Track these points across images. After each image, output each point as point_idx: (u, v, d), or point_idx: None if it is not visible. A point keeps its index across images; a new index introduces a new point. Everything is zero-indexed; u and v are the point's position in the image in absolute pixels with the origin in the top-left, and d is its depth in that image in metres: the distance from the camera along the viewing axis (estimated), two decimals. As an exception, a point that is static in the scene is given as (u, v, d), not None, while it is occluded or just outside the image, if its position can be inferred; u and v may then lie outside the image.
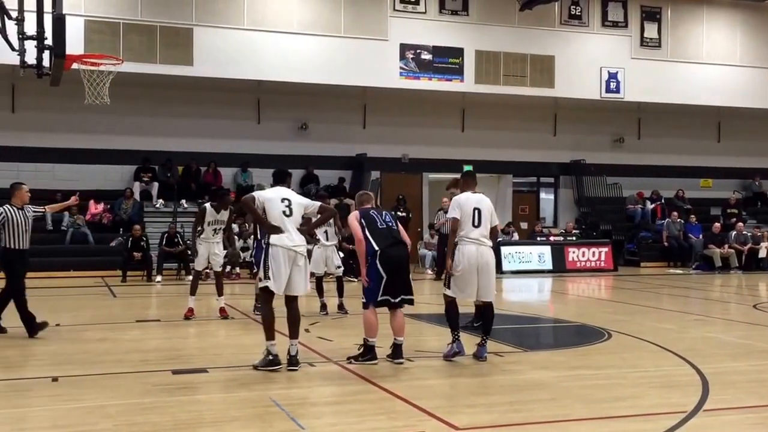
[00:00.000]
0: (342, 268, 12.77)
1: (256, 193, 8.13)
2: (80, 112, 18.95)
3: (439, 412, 6.17)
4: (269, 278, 7.75)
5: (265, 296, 7.95)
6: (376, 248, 8.09)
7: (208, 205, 12.11)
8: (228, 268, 16.60)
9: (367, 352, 8.17)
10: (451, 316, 8.54)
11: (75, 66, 14.31)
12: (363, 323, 8.25)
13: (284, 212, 7.91)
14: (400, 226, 8.57)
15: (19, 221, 10.26)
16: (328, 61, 22.00)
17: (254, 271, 11.10)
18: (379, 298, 8.11)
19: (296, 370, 7.79)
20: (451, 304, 8.57)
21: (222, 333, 10.77)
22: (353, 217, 8.38)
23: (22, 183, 10.84)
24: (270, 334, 7.87)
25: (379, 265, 8.07)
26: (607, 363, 8.52)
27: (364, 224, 8.22)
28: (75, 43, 16.83)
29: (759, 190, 27.80)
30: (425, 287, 18.43)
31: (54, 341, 9.97)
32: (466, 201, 8.52)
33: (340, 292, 12.66)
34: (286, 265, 7.78)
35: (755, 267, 22.58)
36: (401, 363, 8.15)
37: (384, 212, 8.61)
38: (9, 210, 10.15)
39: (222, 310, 11.83)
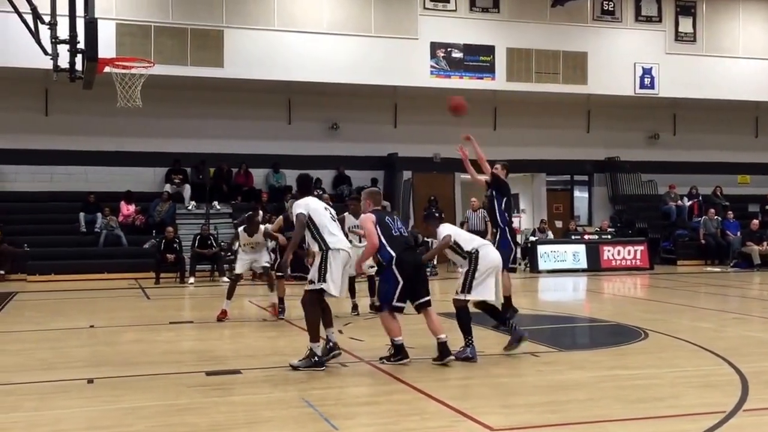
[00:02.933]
0: (375, 268, 12.59)
1: (304, 208, 8.15)
2: (112, 115, 19.17)
3: (474, 412, 6.10)
4: (326, 281, 7.83)
5: (314, 297, 7.98)
6: (393, 254, 8.08)
7: (241, 229, 12.15)
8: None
9: (398, 352, 8.12)
10: (467, 321, 8.49)
11: (107, 69, 14.43)
12: (383, 327, 8.25)
13: (332, 218, 8.16)
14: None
15: None
16: (359, 60, 22.00)
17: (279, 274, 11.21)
18: (395, 304, 8.08)
19: (340, 353, 7.96)
20: (464, 309, 8.50)
21: (255, 335, 10.77)
22: (369, 220, 8.33)
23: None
24: (315, 336, 7.90)
25: (395, 271, 8.05)
26: (645, 363, 8.38)
27: (380, 231, 8.19)
28: (107, 46, 17.00)
29: (798, 185, 27.33)
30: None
31: (89, 343, 10.05)
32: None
33: (373, 291, 12.54)
34: (343, 268, 7.94)
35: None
36: (451, 360, 8.07)
37: (396, 218, 8.64)
38: None
39: (273, 306, 11.90)
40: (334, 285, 7.86)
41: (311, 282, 7.96)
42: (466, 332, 8.45)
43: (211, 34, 20.89)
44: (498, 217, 11.05)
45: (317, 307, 8.01)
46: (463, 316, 8.47)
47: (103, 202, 20.60)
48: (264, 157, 22.85)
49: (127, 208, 20.92)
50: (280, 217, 12.13)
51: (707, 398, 6.71)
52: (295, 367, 7.81)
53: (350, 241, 12.01)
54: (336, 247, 7.96)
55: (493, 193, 11.10)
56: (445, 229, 8.69)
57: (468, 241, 8.62)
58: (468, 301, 8.46)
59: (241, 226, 12.39)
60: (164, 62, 19.08)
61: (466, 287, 8.36)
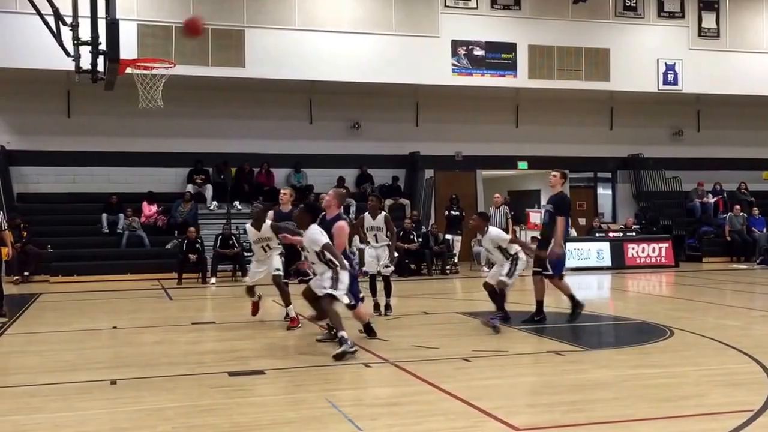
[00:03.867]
0: (391, 268, 12.43)
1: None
2: (134, 115, 19.25)
3: (499, 412, 6.04)
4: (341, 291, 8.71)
5: (332, 302, 8.70)
6: None
7: (248, 225, 11.47)
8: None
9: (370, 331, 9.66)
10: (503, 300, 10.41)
11: (128, 70, 14.47)
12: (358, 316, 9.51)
13: None
14: None
15: None
16: (380, 59, 21.97)
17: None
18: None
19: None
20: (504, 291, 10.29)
21: (278, 335, 10.75)
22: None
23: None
24: (341, 325, 8.50)
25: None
26: (670, 361, 8.29)
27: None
28: (128, 47, 17.03)
29: (825, 181, 26.98)
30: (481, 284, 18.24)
31: (112, 344, 10.09)
32: None
33: (388, 292, 12.43)
34: None
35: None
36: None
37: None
38: None
39: (292, 320, 10.99)
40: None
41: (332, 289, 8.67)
42: (501, 307, 10.46)
43: (232, 34, 20.94)
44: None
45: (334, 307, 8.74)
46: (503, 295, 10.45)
47: (126, 203, 20.71)
48: (285, 157, 22.88)
49: (149, 209, 21.01)
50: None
51: (733, 397, 6.63)
52: (339, 357, 8.22)
53: (368, 242, 12.01)
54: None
55: (555, 211, 10.87)
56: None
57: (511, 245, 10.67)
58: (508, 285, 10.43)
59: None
60: (185, 63, 19.14)
61: (510, 274, 10.41)
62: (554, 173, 11.26)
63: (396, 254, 13.54)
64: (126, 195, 21.13)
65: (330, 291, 8.60)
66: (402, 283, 18.42)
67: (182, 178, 22.28)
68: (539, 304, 11.05)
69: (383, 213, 12.36)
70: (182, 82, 18.55)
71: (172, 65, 15.52)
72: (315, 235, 8.78)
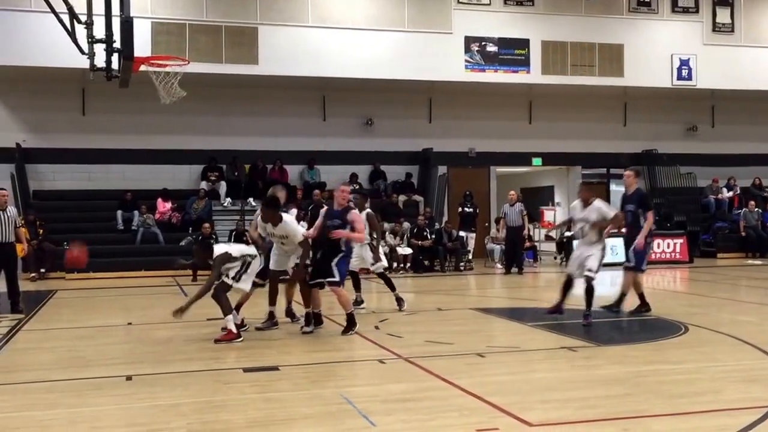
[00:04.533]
0: (382, 264, 12.39)
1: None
2: (148, 113, 19.35)
3: (512, 408, 6.05)
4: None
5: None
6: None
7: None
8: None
9: (353, 323, 9.77)
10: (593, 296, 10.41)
11: (143, 68, 14.55)
12: (341, 300, 9.80)
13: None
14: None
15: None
16: (393, 56, 21.96)
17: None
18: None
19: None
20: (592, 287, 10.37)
21: (291, 331, 10.78)
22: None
23: (1, 188, 12.58)
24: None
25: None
26: (685, 357, 8.27)
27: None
28: (142, 45, 17.12)
29: (841, 176, 26.78)
30: (495, 281, 18.25)
31: (127, 340, 10.15)
32: None
33: (391, 287, 12.40)
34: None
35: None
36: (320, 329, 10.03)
37: None
38: None
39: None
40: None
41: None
42: (591, 305, 10.37)
43: (245, 32, 20.98)
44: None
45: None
46: (593, 291, 10.40)
47: (140, 200, 20.81)
48: (299, 154, 22.93)
49: (164, 206, 21.10)
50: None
51: (749, 393, 6.62)
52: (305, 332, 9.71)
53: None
54: None
55: (643, 208, 11.21)
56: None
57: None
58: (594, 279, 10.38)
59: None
60: (199, 60, 19.19)
61: (597, 270, 10.40)
62: (627, 172, 11.71)
63: (383, 251, 13.55)
64: (140, 192, 21.23)
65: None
66: (416, 279, 18.45)
67: (196, 175, 22.36)
68: (640, 296, 11.68)
69: (367, 211, 12.43)
70: (196, 79, 18.59)
71: (186, 63, 15.59)
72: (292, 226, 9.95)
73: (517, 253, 19.44)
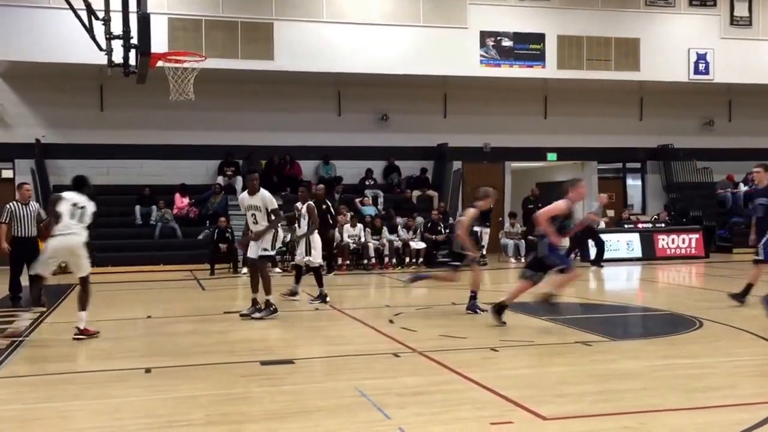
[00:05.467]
0: (313, 259, 12.62)
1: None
2: (166, 108, 19.43)
3: (526, 402, 6.09)
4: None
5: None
6: None
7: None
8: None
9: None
10: None
11: (160, 64, 14.66)
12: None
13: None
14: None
15: (23, 214, 12.33)
16: (408, 51, 21.98)
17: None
18: None
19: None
20: None
21: (306, 324, 10.88)
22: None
23: (25, 182, 13.28)
24: (271, 290, 10.88)
25: None
26: (700, 352, 8.28)
27: None
28: (159, 41, 17.22)
29: None
30: (509, 276, 18.26)
31: (146, 333, 10.27)
32: None
33: (319, 282, 12.75)
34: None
35: None
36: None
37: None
38: (12, 206, 12.36)
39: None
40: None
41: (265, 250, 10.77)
42: None
43: (261, 27, 21.06)
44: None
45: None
46: None
47: (158, 195, 20.96)
48: (314, 149, 23.00)
49: (182, 201, 21.24)
50: None
51: (765, 387, 6.64)
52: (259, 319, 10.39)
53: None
54: None
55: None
56: None
57: None
58: None
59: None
60: (215, 56, 19.30)
61: None
62: (756, 169, 11.69)
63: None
64: (158, 187, 21.38)
65: (269, 252, 10.94)
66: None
67: (213, 170, 22.48)
68: (749, 287, 11.70)
69: (308, 203, 12.79)
70: (212, 75, 18.70)
71: (203, 58, 15.70)
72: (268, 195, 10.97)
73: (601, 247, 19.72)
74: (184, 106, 17.27)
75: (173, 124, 21.80)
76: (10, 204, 12.45)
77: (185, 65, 15.40)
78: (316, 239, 12.64)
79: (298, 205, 12.88)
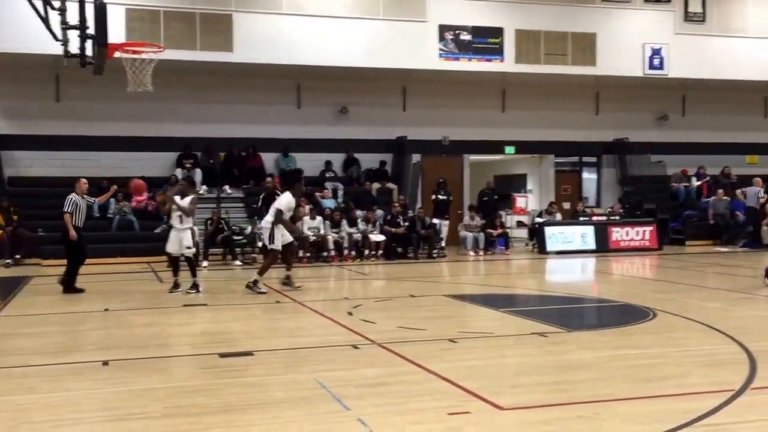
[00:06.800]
0: (193, 249, 13.07)
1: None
2: (124, 100, 19.25)
3: (484, 392, 6.18)
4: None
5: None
6: None
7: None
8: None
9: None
10: None
11: (117, 54, 14.50)
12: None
13: None
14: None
15: (82, 206, 13.34)
16: (367, 44, 21.99)
17: None
18: None
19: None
20: None
21: (267, 316, 10.89)
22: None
23: (82, 177, 14.23)
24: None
25: None
26: (652, 342, 8.45)
27: None
28: (117, 31, 17.04)
29: (806, 165, 27.22)
30: (468, 268, 18.43)
31: (104, 326, 10.19)
32: None
33: (193, 272, 13.12)
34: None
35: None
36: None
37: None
38: (75, 197, 13.26)
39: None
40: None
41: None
42: None
43: (220, 19, 20.90)
44: None
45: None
46: None
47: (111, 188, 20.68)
48: (274, 141, 22.92)
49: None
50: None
51: (714, 377, 6.78)
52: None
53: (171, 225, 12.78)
54: None
55: None
56: None
57: None
58: None
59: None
60: (174, 47, 19.12)
61: None
62: None
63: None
64: (117, 179, 21.10)
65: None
66: (388, 266, 18.58)
67: (172, 162, 22.28)
68: None
69: (192, 196, 13.19)
70: (171, 66, 18.54)
71: (161, 49, 15.54)
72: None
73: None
74: (143, 98, 17.12)
75: (131, 116, 21.57)
76: (73, 195, 13.30)
77: (143, 56, 15.23)
78: (193, 231, 13.24)
79: (178, 198, 13.18)
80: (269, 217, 12.91)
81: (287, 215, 12.96)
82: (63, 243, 13.46)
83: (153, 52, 15.17)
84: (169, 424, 5.55)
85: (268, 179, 18.91)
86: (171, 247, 13.11)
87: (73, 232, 13.06)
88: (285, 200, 12.92)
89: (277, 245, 12.80)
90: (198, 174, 21.87)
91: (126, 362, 7.61)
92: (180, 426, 5.49)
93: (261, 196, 18.26)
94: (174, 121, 22.14)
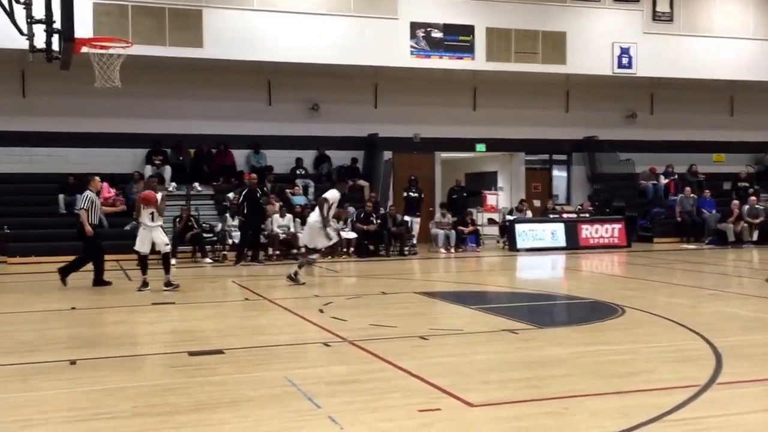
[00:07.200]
0: (169, 245, 13.23)
1: None
2: (91, 96, 19.01)
3: (454, 389, 6.20)
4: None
5: None
6: None
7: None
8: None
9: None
10: None
11: (84, 50, 14.32)
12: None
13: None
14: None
15: (97, 204, 13.81)
16: (339, 41, 21.94)
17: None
18: None
19: None
20: None
21: (237, 314, 10.84)
22: None
23: (96, 174, 14.84)
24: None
25: None
26: (621, 338, 8.54)
27: None
28: (84, 26, 16.80)
29: (772, 164, 27.62)
30: (439, 266, 18.47)
31: (71, 325, 10.08)
32: None
33: (167, 269, 13.11)
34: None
35: (768, 241, 22.49)
36: None
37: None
38: (91, 194, 13.69)
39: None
40: None
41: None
42: None
43: (189, 14, 20.74)
44: None
45: None
46: None
47: (84, 184, 20.44)
48: (245, 138, 22.79)
49: (108, 190, 20.78)
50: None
51: (682, 372, 6.86)
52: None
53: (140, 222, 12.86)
54: None
55: None
56: None
57: None
58: None
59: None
60: (143, 42, 18.93)
61: None
62: None
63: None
64: (84, 175, 20.85)
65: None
66: (360, 263, 18.58)
67: (141, 159, 22.08)
68: None
69: (162, 194, 13.40)
70: (140, 62, 18.37)
71: (129, 45, 15.37)
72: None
73: None
74: (111, 94, 16.94)
75: (99, 112, 21.33)
76: (88, 192, 13.72)
77: (111, 51, 15.05)
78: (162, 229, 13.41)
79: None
80: (317, 216, 13.42)
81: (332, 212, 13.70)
82: (79, 239, 13.86)
83: (121, 47, 14.99)
84: (139, 423, 5.50)
85: (253, 175, 18.83)
86: (140, 245, 13.07)
87: (89, 228, 13.40)
88: (331, 196, 13.62)
89: (326, 242, 13.61)
90: (167, 171, 21.72)
91: (94, 361, 7.54)
92: (150, 425, 5.44)
93: (242, 194, 18.17)
94: (143, 117, 21.93)
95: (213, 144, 22.43)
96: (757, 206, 23.12)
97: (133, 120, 21.83)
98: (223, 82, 22.57)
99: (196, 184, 21.69)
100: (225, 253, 18.88)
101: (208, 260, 18.44)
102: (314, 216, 13.54)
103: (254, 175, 19.40)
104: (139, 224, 13.18)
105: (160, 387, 6.49)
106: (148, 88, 21.62)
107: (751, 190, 24.65)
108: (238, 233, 18.72)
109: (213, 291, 12.54)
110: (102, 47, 15.07)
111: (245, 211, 17.93)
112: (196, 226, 18.97)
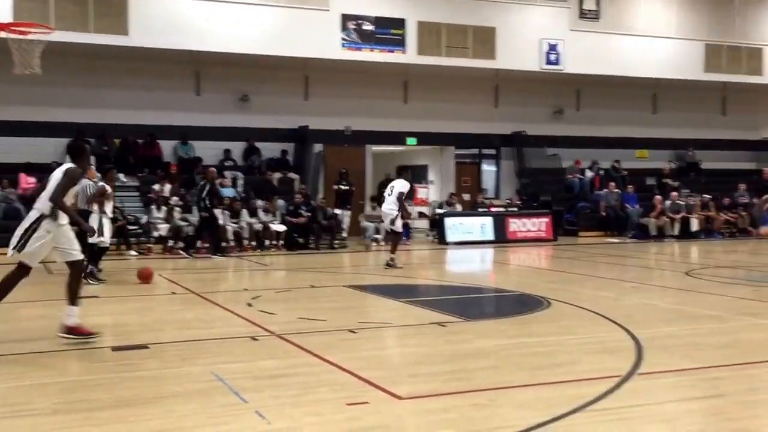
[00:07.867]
0: (103, 238, 13.04)
1: None
2: (11, 83, 18.45)
3: (382, 382, 6.21)
4: None
5: None
6: None
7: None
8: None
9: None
10: None
11: (2, 35, 13.91)
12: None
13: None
14: None
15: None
16: (269, 31, 21.74)
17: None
18: None
19: None
20: None
21: (163, 308, 10.67)
22: None
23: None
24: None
25: None
26: (547, 331, 8.66)
27: None
28: (3, 10, 16.34)
29: (692, 160, 28.39)
30: (369, 259, 18.48)
31: (-12, 319, 9.76)
32: None
33: (96, 262, 13.11)
34: None
35: (689, 235, 23.12)
36: None
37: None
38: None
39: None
40: None
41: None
42: None
43: (114, 0, 20.26)
44: None
45: None
46: None
47: (2, 174, 19.86)
48: (172, 128, 22.39)
49: (27, 181, 20.23)
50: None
51: (604, 363, 7.00)
52: None
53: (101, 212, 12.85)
54: None
55: None
56: None
57: None
58: None
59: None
60: (65, 28, 18.47)
61: None
62: None
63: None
64: (2, 166, 20.27)
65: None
66: (290, 257, 18.48)
67: (62, 148, 21.47)
68: None
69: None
70: (62, 48, 17.89)
71: (50, 30, 14.97)
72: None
73: None
74: (32, 81, 16.47)
75: (19, 100, 20.69)
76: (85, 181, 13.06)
77: (30, 37, 14.63)
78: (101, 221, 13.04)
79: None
80: (393, 204, 14.91)
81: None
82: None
83: (41, 32, 14.59)
84: (60, 420, 5.36)
85: (212, 169, 18.47)
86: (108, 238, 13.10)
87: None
88: (403, 186, 15.06)
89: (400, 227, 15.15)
90: (91, 161, 21.17)
91: (14, 357, 7.31)
92: (71, 422, 5.31)
93: (201, 185, 17.78)
94: (66, 106, 21.36)
95: (140, 134, 21.99)
96: (678, 201, 23.76)
97: (55, 108, 21.25)
98: (149, 71, 22.15)
99: (121, 175, 21.18)
100: (150, 245, 18.55)
101: (133, 252, 18.10)
102: (390, 204, 15.06)
103: (213, 169, 19.02)
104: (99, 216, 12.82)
105: (82, 383, 6.35)
106: (72, 77, 21.08)
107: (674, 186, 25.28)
108: (165, 226, 18.44)
109: (138, 285, 12.28)
110: (21, 32, 14.65)
111: (209, 205, 17.50)
112: (120, 218, 18.58)
